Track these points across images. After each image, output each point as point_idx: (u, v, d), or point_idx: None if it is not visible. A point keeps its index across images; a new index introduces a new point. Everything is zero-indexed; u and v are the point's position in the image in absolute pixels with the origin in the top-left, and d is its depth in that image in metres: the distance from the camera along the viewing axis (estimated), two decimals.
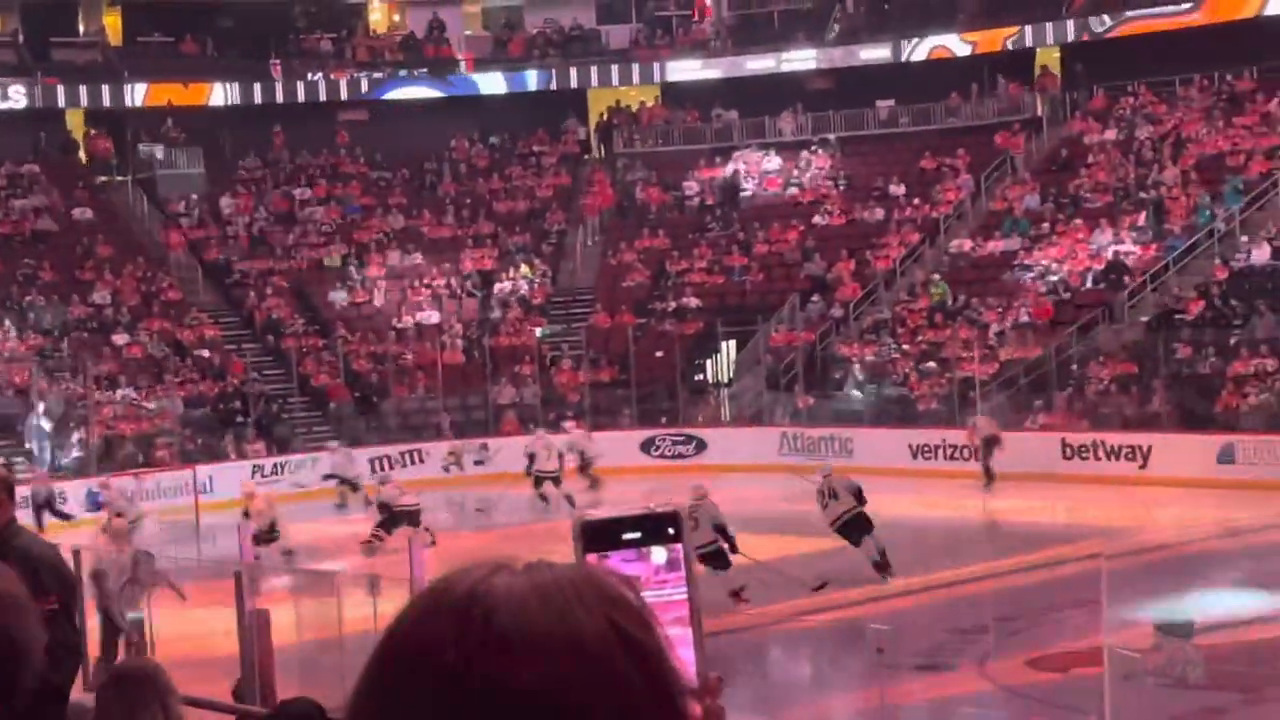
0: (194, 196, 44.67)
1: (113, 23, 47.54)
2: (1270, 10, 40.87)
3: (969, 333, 35.97)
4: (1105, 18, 43.58)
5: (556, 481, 30.97)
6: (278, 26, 48.06)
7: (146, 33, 47.47)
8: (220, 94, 46.03)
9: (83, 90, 45.05)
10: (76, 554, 13.79)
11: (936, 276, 38.68)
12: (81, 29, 47.56)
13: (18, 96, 44.31)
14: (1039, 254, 38.61)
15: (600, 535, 1.58)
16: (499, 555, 1.41)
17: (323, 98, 47.10)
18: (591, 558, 1.56)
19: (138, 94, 45.42)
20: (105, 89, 45.30)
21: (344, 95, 47.24)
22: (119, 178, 45.15)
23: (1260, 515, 25.83)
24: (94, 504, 30.84)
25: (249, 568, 18.45)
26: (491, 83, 48.10)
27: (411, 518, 26.17)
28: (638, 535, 1.58)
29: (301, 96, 46.86)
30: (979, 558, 24.04)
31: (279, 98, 46.57)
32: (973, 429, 32.27)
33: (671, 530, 1.59)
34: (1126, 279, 36.50)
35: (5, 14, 46.15)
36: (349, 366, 39.32)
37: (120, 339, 38.70)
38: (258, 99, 46.35)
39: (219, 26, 47.83)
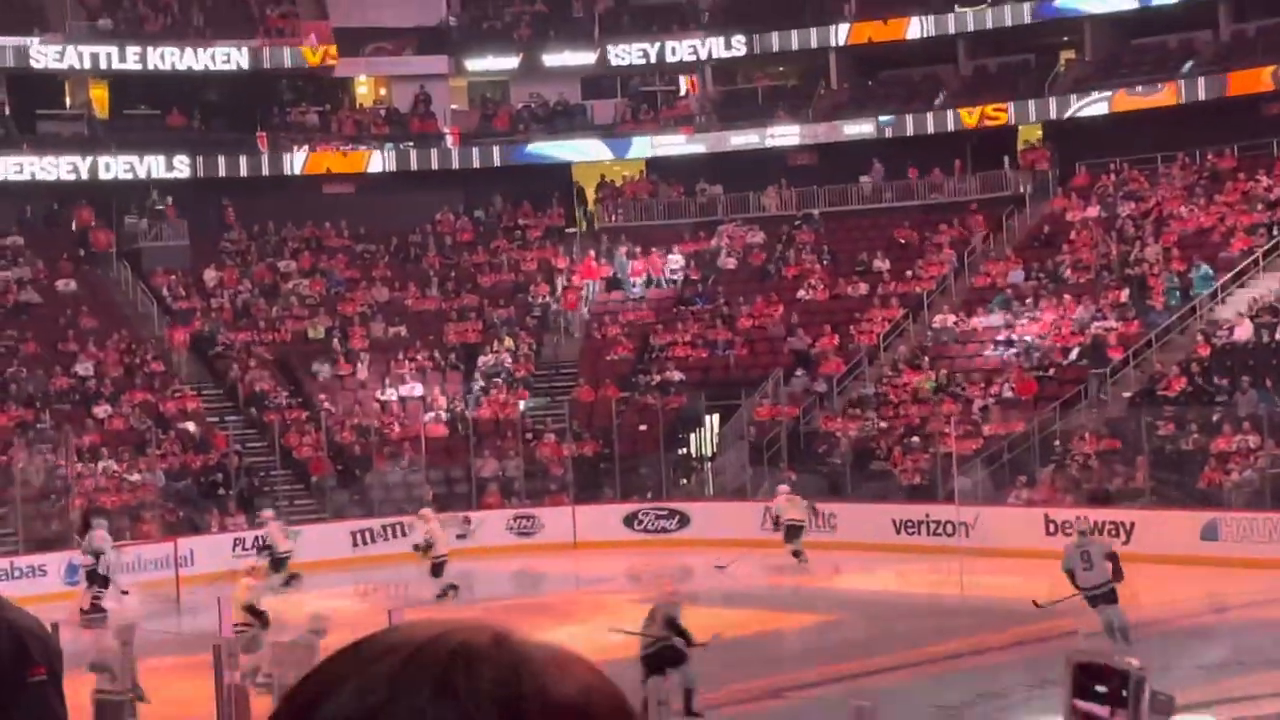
0: (179, 271, 44.69)
1: (99, 95, 47.69)
2: (1245, 89, 41.25)
3: (952, 408, 36.01)
4: (1089, 95, 43.91)
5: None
6: (264, 100, 48.26)
7: (133, 105, 47.62)
8: (205, 166, 46.11)
9: (68, 162, 45.11)
10: (55, 628, 13.68)
11: (927, 378, 38.35)
12: (68, 101, 47.71)
13: (3, 168, 44.37)
14: (1022, 329, 38.72)
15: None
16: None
17: (307, 170, 47.21)
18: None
19: (123, 166, 45.50)
20: (90, 161, 45.40)
21: (329, 168, 47.38)
22: (104, 250, 45.14)
23: (1245, 591, 25.83)
24: (72, 577, 30.70)
25: (228, 642, 18.32)
26: (476, 157, 48.28)
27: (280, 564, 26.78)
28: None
29: (287, 169, 46.98)
30: (961, 633, 23.96)
31: (264, 170, 46.68)
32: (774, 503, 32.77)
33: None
34: (1109, 355, 36.60)
35: None
36: (332, 439, 39.23)
37: (102, 411, 38.60)
38: (243, 171, 46.46)
39: (205, 99, 48.01)
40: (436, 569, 30.04)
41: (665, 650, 18.99)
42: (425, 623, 1.36)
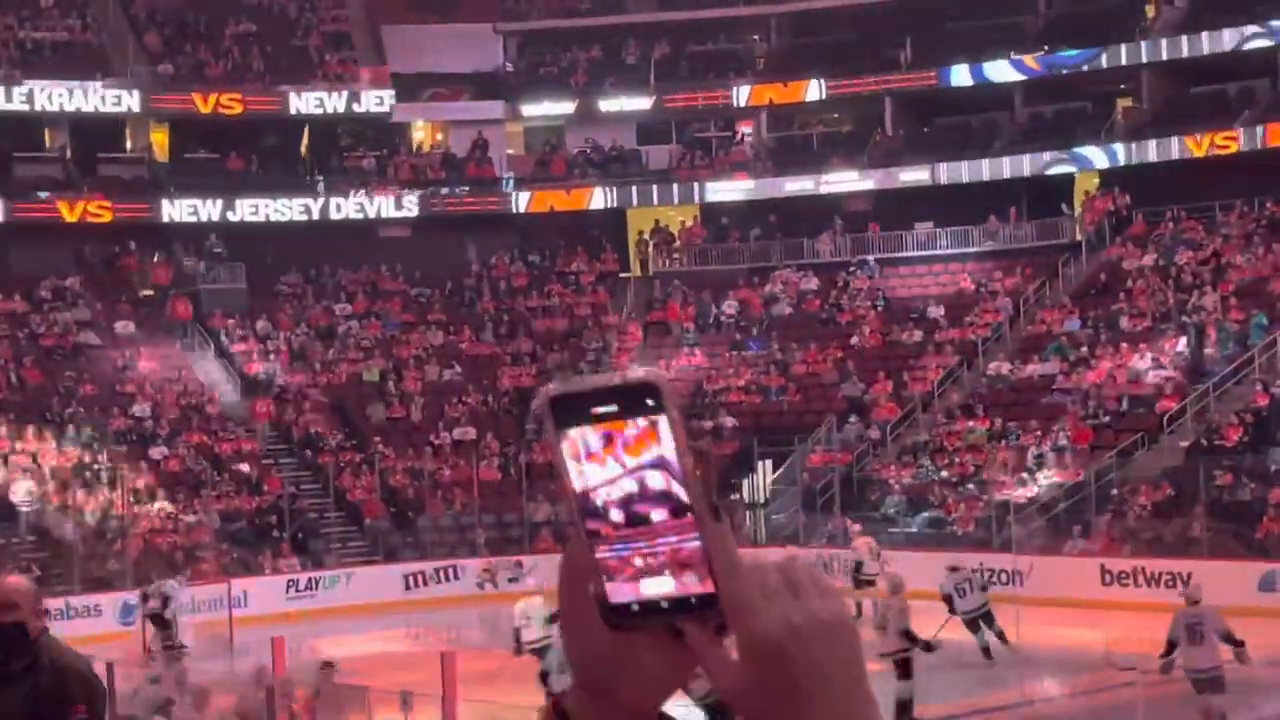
0: (236, 315, 45.00)
1: (160, 139, 48.19)
2: None
3: (1007, 456, 35.79)
4: (1146, 142, 43.72)
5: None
6: (322, 144, 48.65)
7: (193, 149, 48.09)
8: (265, 210, 46.51)
9: (129, 205, 45.57)
10: (110, 667, 13.75)
11: (981, 425, 38.18)
12: (129, 145, 48.21)
13: (66, 210, 44.86)
14: (1078, 378, 38.49)
15: (571, 409, 1.39)
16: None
17: (366, 214, 47.56)
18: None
19: (182, 209, 45.94)
20: (151, 204, 45.86)
21: (386, 212, 47.71)
22: (163, 291, 45.49)
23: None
24: (128, 618, 30.84)
25: (282, 683, 18.35)
26: (533, 201, 48.53)
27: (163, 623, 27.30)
28: (613, 409, 1.39)
29: (344, 213, 47.33)
30: (1018, 684, 23.76)
31: (321, 214, 47.03)
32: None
33: (650, 402, 1.39)
34: (1166, 404, 36.33)
35: (55, 130, 46.81)
36: (385, 481, 39.33)
37: (158, 452, 38.84)
38: (300, 215, 46.83)
39: (264, 144, 48.43)
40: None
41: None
42: None
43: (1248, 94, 44.12)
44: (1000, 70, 46.02)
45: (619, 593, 1.40)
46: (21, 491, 35.91)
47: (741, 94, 49.26)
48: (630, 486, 1.40)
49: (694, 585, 1.39)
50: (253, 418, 41.07)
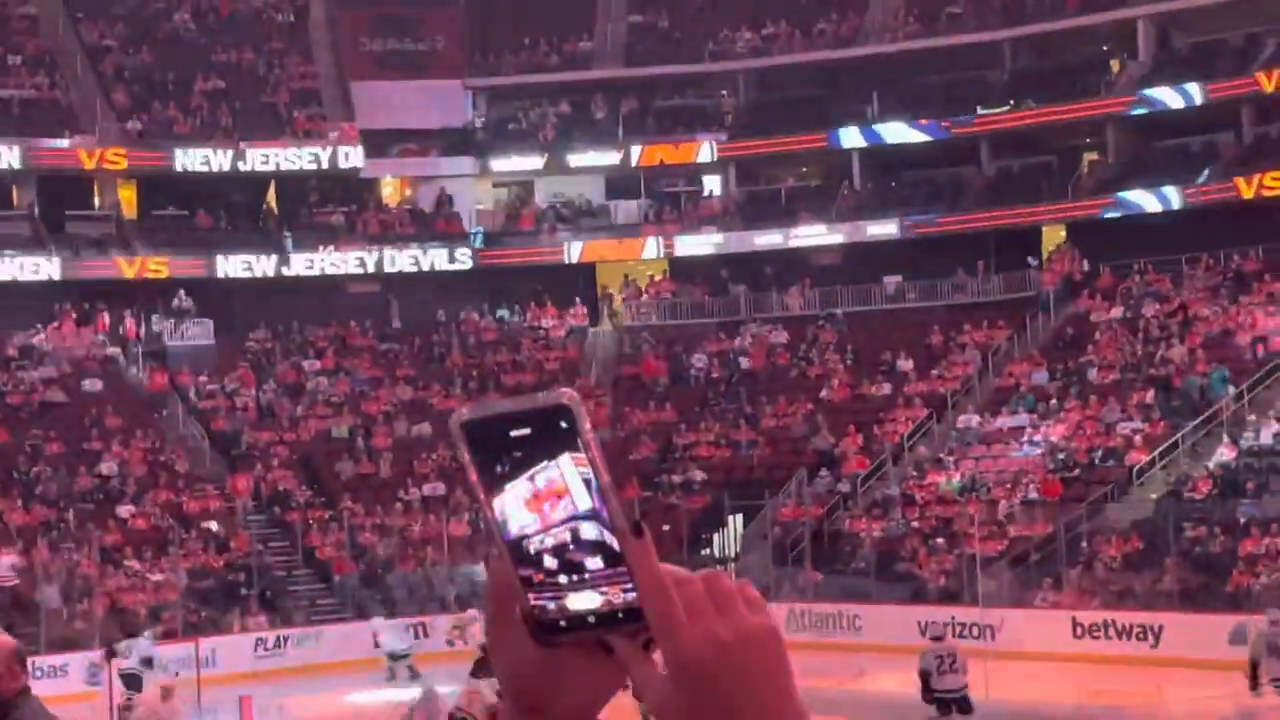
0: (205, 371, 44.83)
1: (127, 196, 48.09)
2: (1269, 192, 41.32)
3: (977, 509, 35.82)
4: (1111, 197, 44.00)
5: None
6: (290, 200, 48.63)
7: (160, 206, 47.99)
8: (231, 266, 46.44)
9: (95, 262, 45.48)
10: None
11: (951, 478, 38.20)
12: (97, 203, 48.11)
13: (32, 268, 44.74)
14: (1046, 430, 38.57)
15: (485, 434, 1.37)
16: None
17: (334, 270, 47.54)
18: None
19: (150, 266, 45.85)
20: (118, 261, 45.76)
21: (354, 268, 47.69)
22: (129, 349, 45.33)
23: (1276, 698, 25.51)
24: (93, 677, 30.52)
25: None
26: (500, 256, 48.57)
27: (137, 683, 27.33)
28: (526, 432, 1.36)
29: (312, 269, 47.28)
30: None
31: (289, 270, 46.98)
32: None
33: (564, 424, 1.36)
34: (1135, 456, 36.42)
35: (22, 188, 46.70)
36: (354, 538, 39.14)
37: (125, 510, 38.59)
38: (268, 272, 46.77)
39: (232, 200, 48.39)
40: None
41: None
42: None
43: (1211, 148, 44.48)
44: (966, 123, 46.29)
45: (546, 609, 1.40)
46: (4, 566, 35.58)
47: (707, 149, 49.46)
48: (564, 537, 1.38)
49: (620, 600, 1.38)
50: (234, 492, 40.48)
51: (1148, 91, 44.14)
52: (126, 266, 45.80)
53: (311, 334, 47.09)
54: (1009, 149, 47.27)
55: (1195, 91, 43.24)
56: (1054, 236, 46.07)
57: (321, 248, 47.69)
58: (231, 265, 46.49)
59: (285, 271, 47.01)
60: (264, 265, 46.82)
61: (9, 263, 44.71)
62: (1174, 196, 42.79)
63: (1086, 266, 44.21)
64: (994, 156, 47.31)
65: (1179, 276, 42.43)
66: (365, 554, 39.03)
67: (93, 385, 43.32)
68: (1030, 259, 45.36)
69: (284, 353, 46.32)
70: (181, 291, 46.16)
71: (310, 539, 38.83)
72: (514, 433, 1.36)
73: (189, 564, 36.96)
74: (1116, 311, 42.05)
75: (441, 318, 47.88)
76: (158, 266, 45.93)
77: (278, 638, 34.85)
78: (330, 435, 43.25)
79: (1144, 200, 43.16)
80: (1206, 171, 43.42)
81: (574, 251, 49.02)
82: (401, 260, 48.10)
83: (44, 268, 44.99)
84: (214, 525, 38.76)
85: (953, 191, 47.43)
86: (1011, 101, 46.15)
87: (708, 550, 40.41)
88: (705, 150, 49.53)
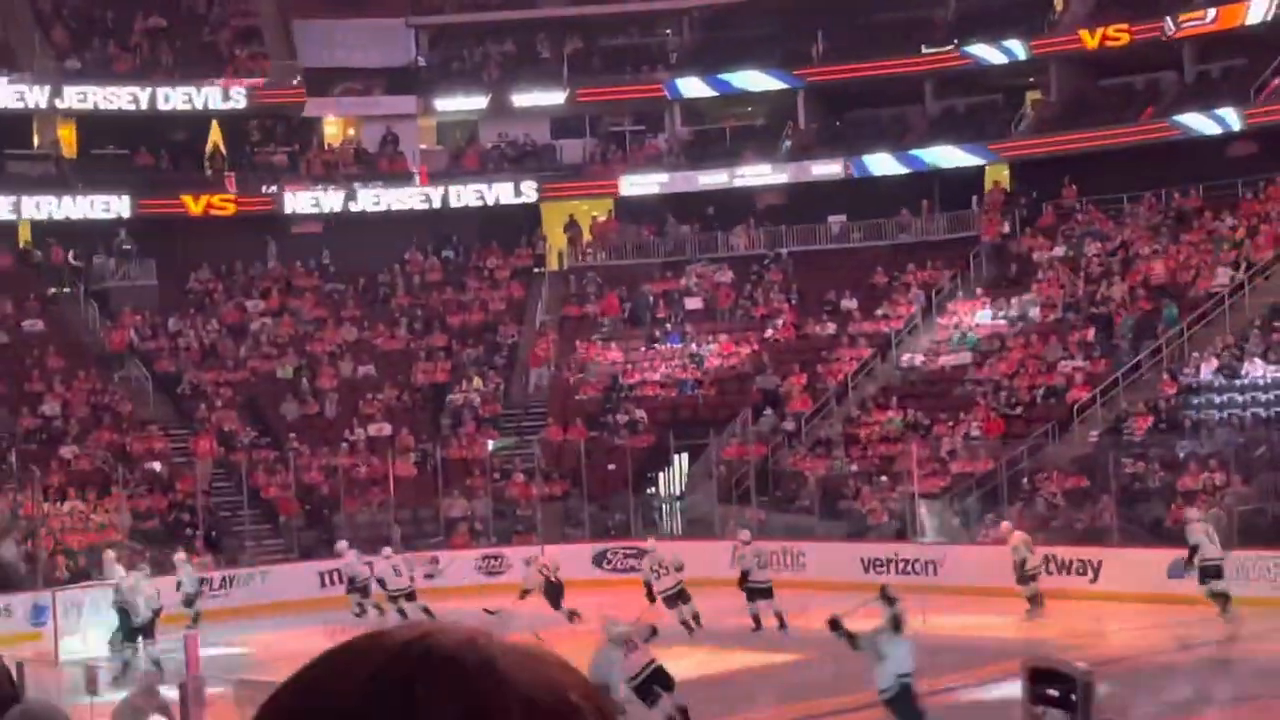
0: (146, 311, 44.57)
1: (67, 135, 47.62)
2: (1206, 129, 41.60)
3: (920, 447, 36.08)
4: (1054, 135, 44.19)
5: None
6: (232, 140, 48.27)
7: (100, 145, 47.55)
8: (173, 206, 46.10)
9: (35, 202, 45.08)
10: (20, 667, 13.62)
11: (895, 417, 38.39)
12: (36, 142, 47.62)
13: None
14: (989, 369, 38.85)
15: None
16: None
17: (279, 209, 47.26)
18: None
19: (90, 206, 45.46)
20: (58, 200, 45.36)
21: (297, 208, 47.43)
22: (70, 289, 45.03)
23: (1212, 631, 25.91)
24: (39, 619, 30.49)
25: (194, 680, 18.25)
26: (445, 196, 48.36)
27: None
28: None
29: (255, 209, 47.00)
30: (928, 674, 23.93)
31: (233, 210, 46.68)
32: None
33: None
34: (1076, 393, 36.75)
35: None
36: (300, 479, 39.11)
37: (68, 451, 38.42)
38: (210, 211, 46.45)
39: (173, 140, 47.98)
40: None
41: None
42: (407, 626, 1.38)
43: (1154, 87, 44.70)
44: (911, 64, 46.32)
45: None
46: None
47: (656, 88, 49.35)
48: None
49: None
50: (196, 454, 40.06)
51: (1091, 31, 44.26)
52: (66, 206, 45.41)
53: (255, 274, 46.86)
54: (953, 88, 47.37)
55: (1133, 30, 43.34)
56: (997, 175, 46.26)
57: (265, 187, 47.40)
58: (172, 205, 46.13)
59: (228, 211, 46.70)
60: (205, 205, 46.45)
61: None
62: (1117, 135, 43.01)
63: (1028, 207, 44.45)
64: (938, 96, 47.40)
65: (1120, 215, 42.72)
66: (311, 494, 39.03)
67: (34, 325, 43.00)
68: (974, 198, 45.54)
69: (227, 293, 46.09)
70: (123, 232, 45.85)
71: (255, 479, 38.76)
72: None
73: (133, 505, 36.86)
74: (1059, 250, 42.32)
75: (386, 258, 47.71)
76: (100, 207, 45.55)
77: (223, 577, 34.85)
78: (275, 376, 43.14)
79: (1086, 140, 43.37)
80: (1147, 109, 43.62)
81: (520, 192, 48.88)
82: (345, 200, 47.83)
83: None
84: (158, 466, 38.63)
85: (897, 131, 47.51)
86: (956, 40, 46.20)
87: (653, 489, 40.61)
88: (653, 89, 49.40)
